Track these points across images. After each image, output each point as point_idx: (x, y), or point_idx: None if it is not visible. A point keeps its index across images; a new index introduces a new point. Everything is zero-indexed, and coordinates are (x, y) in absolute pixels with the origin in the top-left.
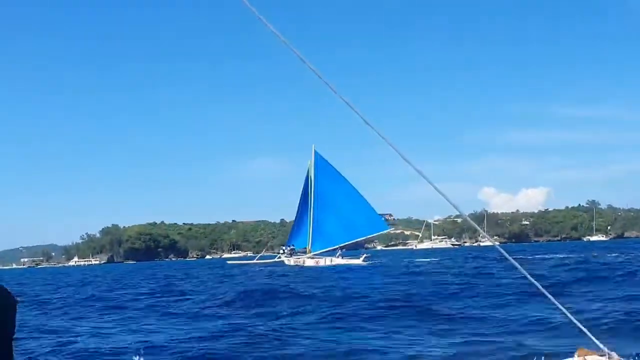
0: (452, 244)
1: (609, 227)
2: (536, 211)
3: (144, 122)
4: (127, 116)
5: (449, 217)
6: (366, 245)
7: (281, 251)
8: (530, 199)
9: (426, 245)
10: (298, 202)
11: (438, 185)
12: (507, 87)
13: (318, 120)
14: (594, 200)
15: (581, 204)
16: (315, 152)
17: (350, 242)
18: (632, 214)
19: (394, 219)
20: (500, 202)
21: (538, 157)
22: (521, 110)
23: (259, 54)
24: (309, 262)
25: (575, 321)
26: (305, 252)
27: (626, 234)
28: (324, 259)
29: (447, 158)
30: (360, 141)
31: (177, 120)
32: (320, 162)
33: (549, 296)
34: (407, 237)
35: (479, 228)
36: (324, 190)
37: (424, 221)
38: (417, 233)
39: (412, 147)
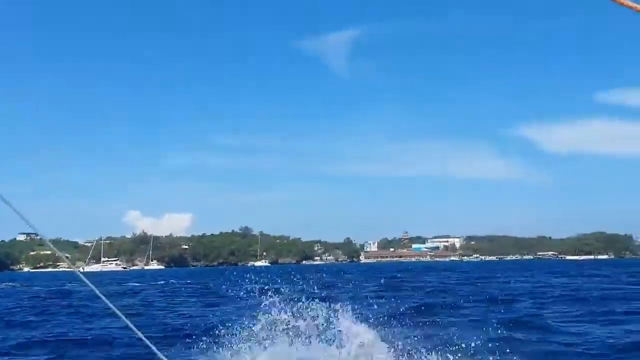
0: (123, 267)
1: (264, 253)
2: (189, 235)
3: None
4: None
5: (100, 238)
6: (12, 266)
7: None
8: (175, 223)
9: (95, 267)
10: None
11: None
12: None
13: None
14: (247, 227)
15: (235, 230)
16: None
17: None
18: (284, 241)
19: (39, 238)
20: (145, 226)
21: (179, 182)
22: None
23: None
24: None
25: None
26: None
27: (280, 260)
28: None
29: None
30: None
31: None
32: None
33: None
34: (57, 259)
35: (60, 253)
36: None
37: (75, 242)
38: (67, 254)
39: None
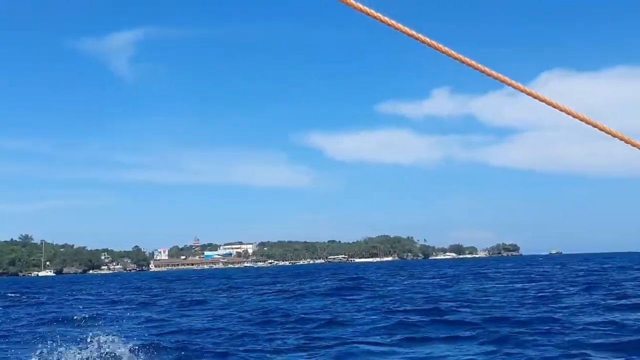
0: None
1: (48, 263)
2: None
3: None
4: None
5: None
6: None
7: None
8: None
9: None
10: None
11: None
12: None
13: None
14: (27, 235)
15: (14, 239)
16: None
17: None
18: (68, 249)
19: None
20: None
21: None
22: None
23: None
24: None
25: None
26: None
27: (66, 270)
28: None
29: None
30: None
31: None
32: None
33: None
34: None
35: None
36: None
37: None
38: None
39: None
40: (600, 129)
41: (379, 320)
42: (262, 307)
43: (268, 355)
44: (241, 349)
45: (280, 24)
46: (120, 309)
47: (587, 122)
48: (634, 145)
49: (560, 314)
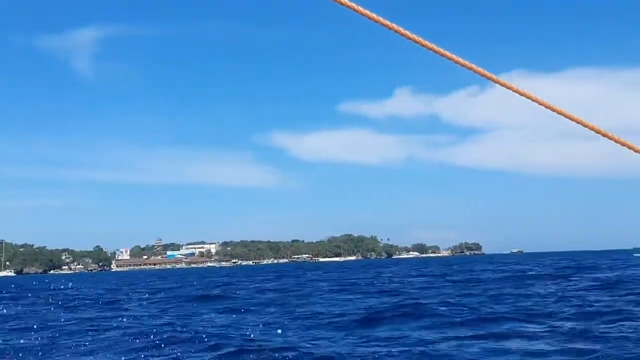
0: None
1: (8, 263)
2: None
3: None
4: None
5: None
6: None
7: None
8: None
9: None
10: None
11: None
12: None
13: None
14: None
15: None
16: None
17: None
18: (27, 249)
19: None
20: None
21: None
22: None
23: None
24: None
25: None
26: None
27: (26, 270)
28: None
29: None
30: None
31: None
32: None
33: None
34: None
35: None
36: None
37: None
38: None
39: None
40: (566, 116)
41: (431, 314)
42: (290, 304)
43: (357, 349)
44: (315, 344)
45: (241, 24)
46: (126, 309)
47: (558, 112)
48: (602, 134)
49: (608, 308)
